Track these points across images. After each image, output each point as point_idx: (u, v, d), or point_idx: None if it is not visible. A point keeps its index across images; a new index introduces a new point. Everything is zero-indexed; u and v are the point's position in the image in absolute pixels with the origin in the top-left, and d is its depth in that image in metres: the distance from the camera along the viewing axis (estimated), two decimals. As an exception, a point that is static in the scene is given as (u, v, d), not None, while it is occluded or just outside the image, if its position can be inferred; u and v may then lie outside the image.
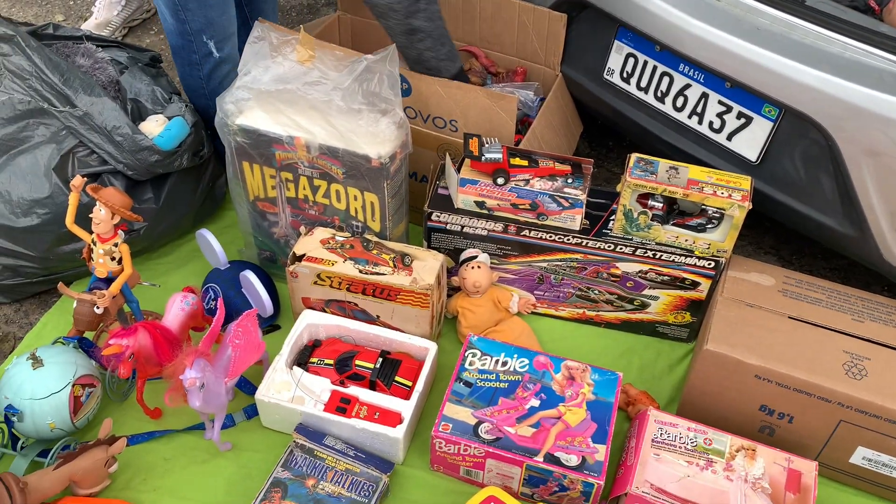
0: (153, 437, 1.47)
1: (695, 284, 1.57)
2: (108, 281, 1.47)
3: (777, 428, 1.42)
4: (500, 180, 1.54)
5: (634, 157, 1.51)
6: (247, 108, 1.52)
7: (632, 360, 1.67)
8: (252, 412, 1.51)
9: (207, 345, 1.33)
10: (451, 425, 1.36)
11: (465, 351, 1.48)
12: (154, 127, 1.70)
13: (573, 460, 1.32)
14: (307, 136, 1.49)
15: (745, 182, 1.47)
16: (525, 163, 1.56)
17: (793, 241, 2.02)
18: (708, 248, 1.51)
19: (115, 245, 1.45)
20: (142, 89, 1.76)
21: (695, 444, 1.35)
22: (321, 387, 1.46)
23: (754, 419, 1.43)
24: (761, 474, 1.31)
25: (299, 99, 1.48)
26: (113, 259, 1.46)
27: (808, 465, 1.32)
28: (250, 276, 1.58)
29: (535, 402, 1.40)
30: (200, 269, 1.79)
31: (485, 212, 1.59)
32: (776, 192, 1.63)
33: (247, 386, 1.53)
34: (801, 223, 1.66)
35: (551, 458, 1.32)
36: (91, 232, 1.45)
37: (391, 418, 1.42)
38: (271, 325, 1.70)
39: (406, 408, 1.43)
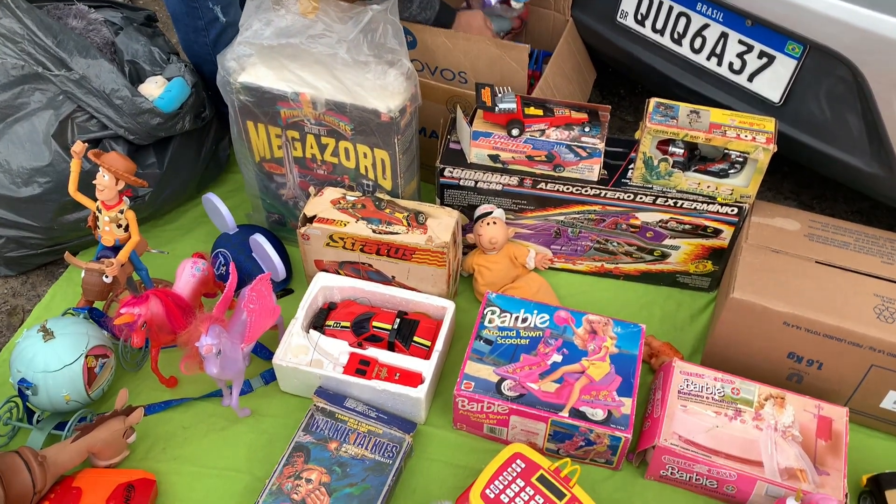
0: (170, 405, 1.46)
1: (717, 232, 1.53)
2: (116, 249, 1.44)
3: (806, 375, 1.39)
4: (515, 132, 1.48)
5: (654, 101, 1.46)
6: (249, 65, 1.46)
7: (652, 311, 1.64)
8: (270, 377, 1.49)
9: (221, 310, 1.31)
10: (473, 383, 1.34)
11: (484, 308, 1.45)
12: (154, 89, 1.65)
13: (599, 414, 1.29)
14: (313, 91, 1.44)
15: (769, 124, 1.41)
16: (540, 112, 1.51)
17: (813, 186, 1.97)
18: (731, 194, 1.47)
19: (121, 212, 1.41)
20: (139, 50, 1.70)
21: (722, 394, 1.32)
22: (339, 349, 1.43)
23: (782, 367, 1.40)
24: (791, 422, 1.29)
25: (303, 53, 1.43)
26: (119, 226, 1.42)
27: (838, 412, 1.30)
28: (261, 240, 1.54)
29: (558, 358, 1.37)
30: (208, 234, 1.75)
31: (499, 165, 1.54)
32: (800, 134, 1.58)
33: (263, 351, 1.51)
34: (826, 165, 1.61)
35: (577, 413, 1.29)
36: (95, 199, 1.41)
37: (412, 378, 1.39)
38: (284, 289, 1.67)
39: (426, 367, 1.40)
